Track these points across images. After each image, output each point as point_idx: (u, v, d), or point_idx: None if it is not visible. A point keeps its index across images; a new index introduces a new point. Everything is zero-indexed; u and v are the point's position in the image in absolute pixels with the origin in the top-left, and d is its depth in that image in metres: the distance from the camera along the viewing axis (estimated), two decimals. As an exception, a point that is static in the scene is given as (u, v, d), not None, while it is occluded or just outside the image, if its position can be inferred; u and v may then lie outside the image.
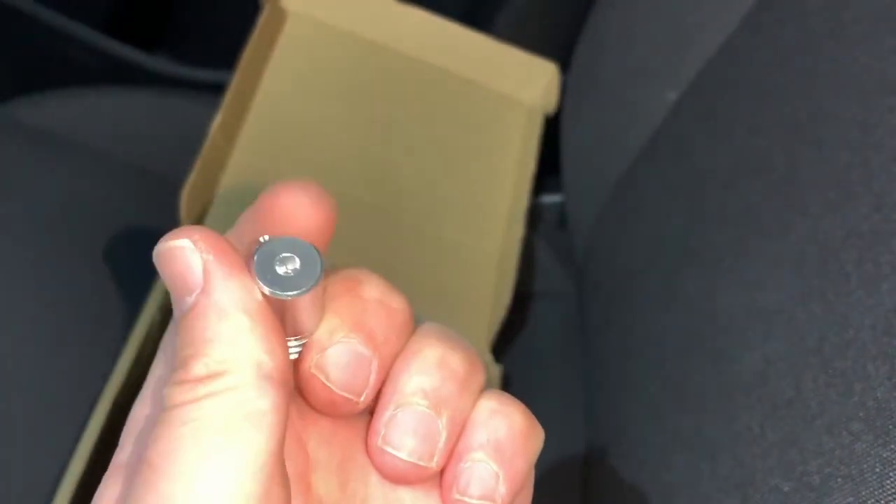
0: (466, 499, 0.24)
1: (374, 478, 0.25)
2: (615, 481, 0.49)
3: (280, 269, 0.22)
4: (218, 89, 0.59)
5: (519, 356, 0.62)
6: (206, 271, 0.21)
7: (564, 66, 0.67)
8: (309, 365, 0.23)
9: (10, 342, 0.55)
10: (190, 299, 0.22)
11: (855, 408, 0.33)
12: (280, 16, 0.64)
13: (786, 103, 0.44)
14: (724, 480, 0.38)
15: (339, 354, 0.23)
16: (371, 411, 0.25)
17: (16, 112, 0.65)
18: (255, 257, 0.22)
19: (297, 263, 0.22)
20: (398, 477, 0.24)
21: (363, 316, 0.24)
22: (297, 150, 0.61)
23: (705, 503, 0.39)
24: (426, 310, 0.56)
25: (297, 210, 0.24)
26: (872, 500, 0.31)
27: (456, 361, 0.24)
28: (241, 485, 0.21)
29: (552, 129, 0.67)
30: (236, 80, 0.58)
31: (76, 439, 0.50)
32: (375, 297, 0.24)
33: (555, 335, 0.65)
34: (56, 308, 0.56)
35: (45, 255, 0.58)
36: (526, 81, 0.67)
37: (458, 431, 0.24)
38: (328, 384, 0.23)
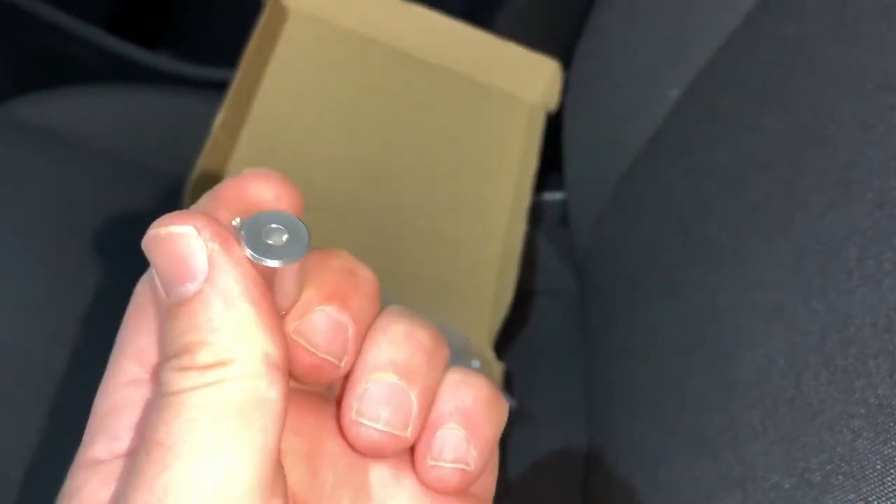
0: (441, 463, 0.24)
1: (344, 466, 0.25)
2: (616, 478, 0.49)
3: (269, 241, 0.22)
4: (220, 87, 0.59)
5: (520, 354, 0.62)
6: (211, 259, 0.21)
7: (566, 63, 0.67)
8: (289, 331, 0.24)
9: (10, 340, 0.55)
10: (192, 286, 0.22)
11: (856, 405, 0.33)
12: (281, 14, 0.64)
13: (787, 101, 0.44)
14: (726, 478, 0.38)
15: (317, 321, 0.24)
16: (338, 401, 0.25)
17: (17, 110, 0.65)
18: (244, 231, 0.22)
19: (284, 234, 0.23)
20: (374, 449, 0.24)
21: (336, 285, 0.24)
22: (299, 148, 0.61)
23: (706, 500, 0.39)
24: (428, 307, 0.56)
25: (265, 194, 0.24)
26: (873, 498, 0.32)
27: (423, 335, 0.25)
28: (255, 468, 0.21)
29: (554, 126, 0.67)
30: (238, 78, 0.58)
31: (78, 439, 0.50)
32: (345, 267, 0.25)
33: (556, 333, 0.65)
34: (57, 306, 0.56)
35: (47, 253, 0.58)
36: (528, 78, 0.67)
37: (429, 403, 0.25)
38: (310, 348, 0.24)
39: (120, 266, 0.58)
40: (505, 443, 0.57)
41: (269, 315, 0.22)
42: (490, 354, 0.57)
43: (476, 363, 0.56)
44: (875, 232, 0.36)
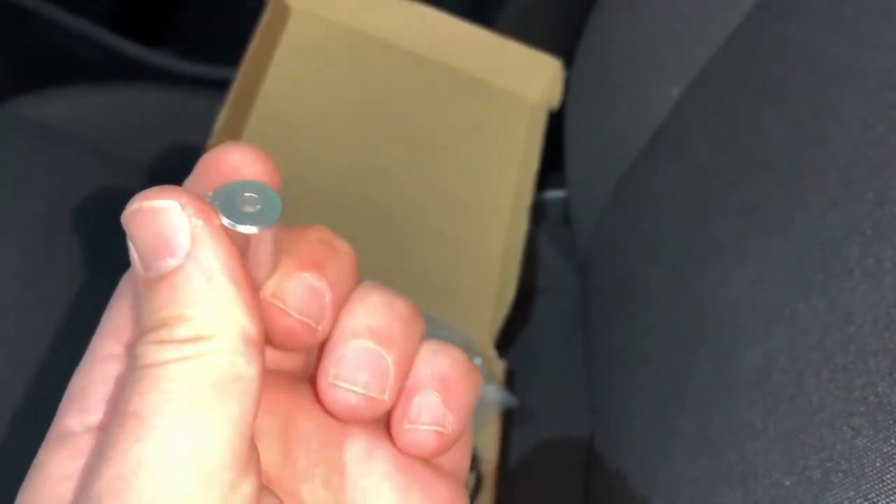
0: (419, 426, 0.25)
1: (317, 444, 0.25)
2: (617, 475, 0.49)
3: (243, 209, 0.23)
4: (221, 86, 0.59)
5: (522, 352, 0.62)
6: (194, 235, 0.21)
7: (567, 63, 0.67)
8: (266, 295, 0.24)
9: (10, 340, 0.55)
10: (173, 261, 0.21)
11: (856, 403, 0.33)
12: (284, 12, 0.64)
13: (788, 100, 0.45)
14: (726, 475, 0.39)
15: (293, 286, 0.24)
16: (313, 374, 0.25)
17: (19, 109, 0.65)
18: (217, 200, 0.22)
19: (257, 203, 0.23)
20: (351, 412, 0.25)
21: (312, 255, 0.25)
22: (300, 146, 0.61)
23: (707, 498, 0.39)
24: (430, 305, 0.56)
25: (243, 167, 0.24)
26: (873, 495, 0.32)
27: (400, 306, 0.25)
28: (229, 443, 0.21)
29: (556, 125, 0.67)
30: (240, 77, 0.59)
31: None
32: (323, 239, 0.25)
33: (558, 331, 0.65)
34: (57, 305, 0.56)
35: (46, 251, 0.58)
36: (529, 77, 0.67)
37: (406, 369, 0.25)
38: (286, 309, 0.24)
39: (120, 264, 0.58)
40: (506, 440, 0.57)
41: (247, 292, 0.22)
42: (492, 352, 0.57)
43: (478, 361, 0.56)
44: (875, 230, 0.36)
